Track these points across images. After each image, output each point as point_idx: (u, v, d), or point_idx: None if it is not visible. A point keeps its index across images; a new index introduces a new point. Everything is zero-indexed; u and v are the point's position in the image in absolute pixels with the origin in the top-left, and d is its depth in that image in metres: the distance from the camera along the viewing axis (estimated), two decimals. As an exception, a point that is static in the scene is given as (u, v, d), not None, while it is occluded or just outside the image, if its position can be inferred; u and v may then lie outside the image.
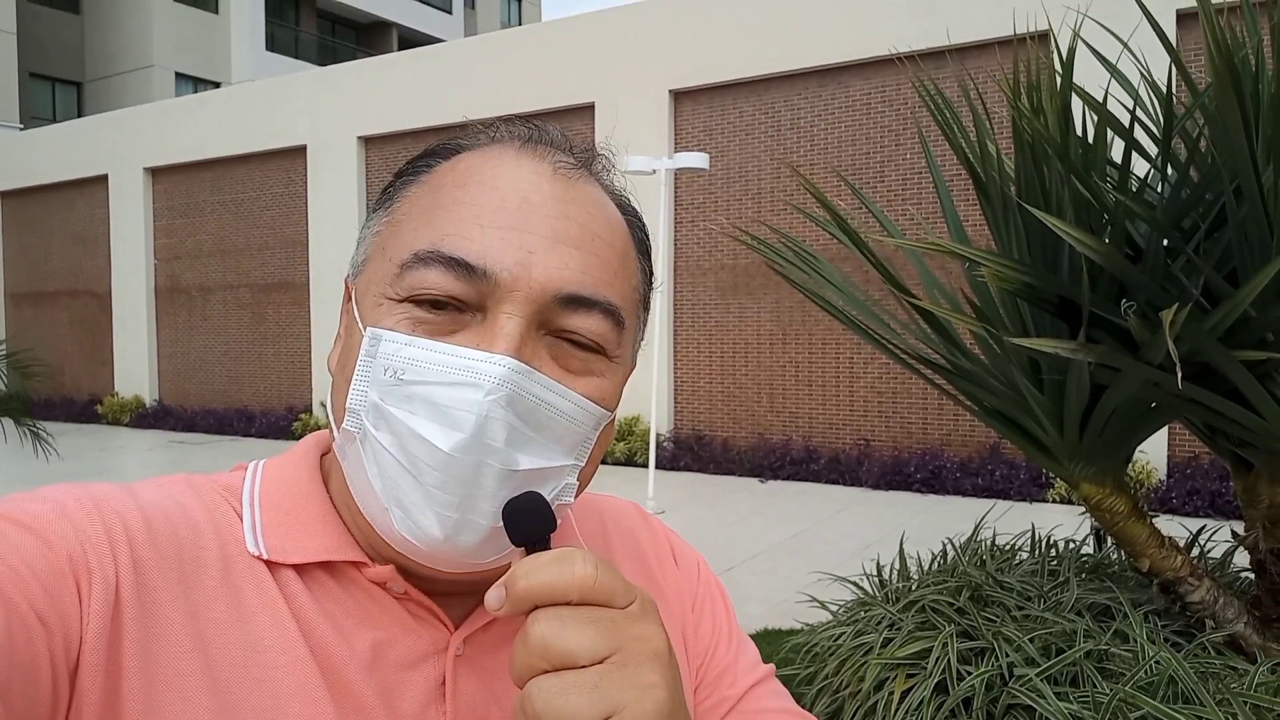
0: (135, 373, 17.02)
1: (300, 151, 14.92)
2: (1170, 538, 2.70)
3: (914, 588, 3.09)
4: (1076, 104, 2.73)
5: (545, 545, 0.51)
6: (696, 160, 8.35)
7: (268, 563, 0.59)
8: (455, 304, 0.56)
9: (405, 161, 0.65)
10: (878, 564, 3.55)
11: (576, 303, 0.58)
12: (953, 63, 6.25)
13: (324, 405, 14.45)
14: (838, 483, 9.79)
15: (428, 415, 0.54)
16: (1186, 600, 2.60)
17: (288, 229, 15.24)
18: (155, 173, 16.88)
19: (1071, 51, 2.67)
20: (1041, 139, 2.49)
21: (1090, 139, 2.65)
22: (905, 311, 2.98)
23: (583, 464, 0.60)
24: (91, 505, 0.55)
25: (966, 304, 3.02)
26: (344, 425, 0.57)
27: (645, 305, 0.67)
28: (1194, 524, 3.76)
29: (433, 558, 0.57)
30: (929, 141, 3.22)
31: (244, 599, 0.57)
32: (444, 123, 13.22)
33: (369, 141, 14.32)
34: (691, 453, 10.83)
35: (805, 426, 10.73)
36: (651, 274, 0.68)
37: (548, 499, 0.56)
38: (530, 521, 0.52)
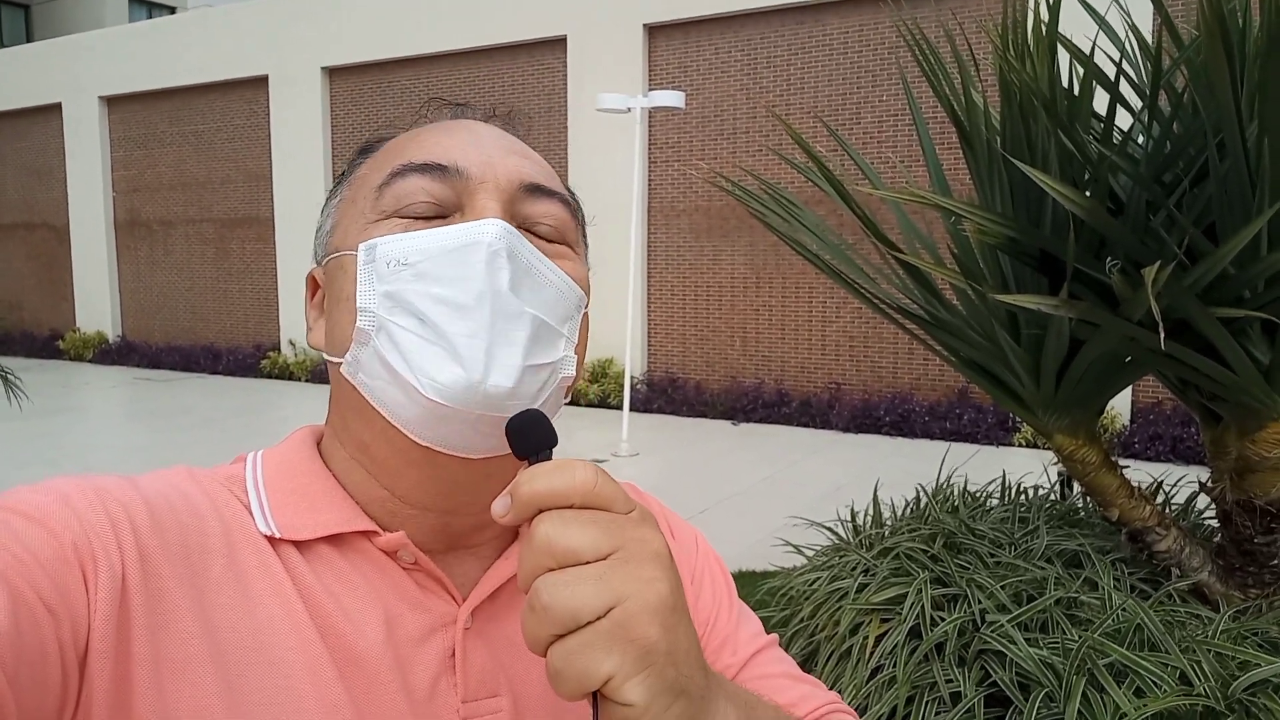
0: (97, 308, 16.69)
1: (262, 82, 14.50)
2: (1138, 487, 2.76)
3: (887, 534, 3.15)
4: (1063, 56, 2.70)
5: (548, 458, 0.53)
6: (672, 99, 8.22)
7: (274, 546, 0.60)
8: (435, 212, 0.61)
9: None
10: (851, 510, 3.60)
11: (538, 190, 0.64)
12: (936, 4, 6.17)
13: (293, 345, 14.28)
14: (809, 425, 9.91)
15: (438, 279, 0.57)
16: (1154, 549, 2.67)
17: (250, 162, 14.88)
18: (111, 101, 16.35)
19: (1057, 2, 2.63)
20: (1028, 89, 2.46)
21: (1076, 90, 2.63)
22: (881, 258, 2.98)
23: (575, 341, 0.64)
24: (94, 495, 0.55)
25: (948, 254, 3.02)
26: (357, 327, 0.59)
27: (585, 237, 0.73)
28: (1156, 469, 3.85)
29: (461, 421, 0.57)
30: (911, 86, 3.17)
31: (250, 583, 0.58)
32: (411, 53, 12.89)
33: (334, 73, 13.94)
34: (665, 395, 10.88)
35: (777, 370, 10.80)
36: (583, 215, 0.73)
37: (556, 365, 0.61)
38: (533, 434, 0.54)
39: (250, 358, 14.42)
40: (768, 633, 0.79)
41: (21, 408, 7.64)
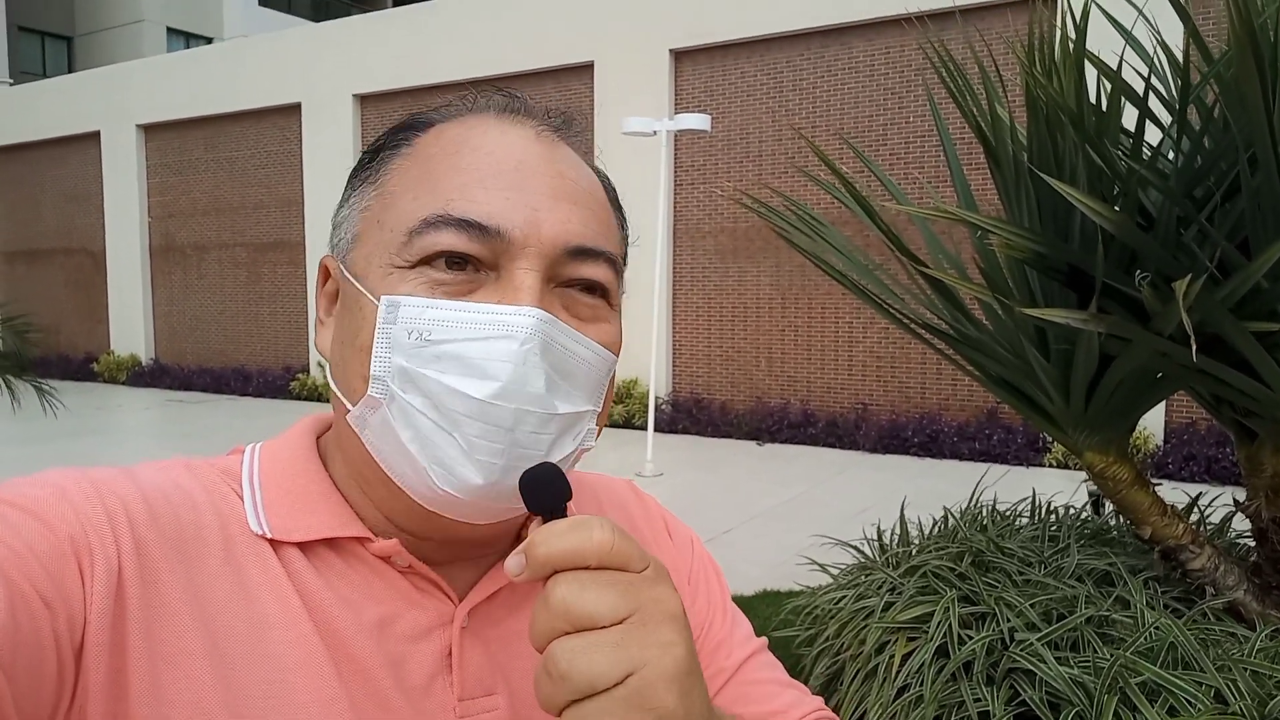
0: (131, 331, 16.96)
1: (295, 109, 14.75)
2: (1172, 505, 2.72)
3: (915, 553, 3.12)
4: (1090, 71, 2.69)
5: (562, 513, 0.52)
6: (697, 122, 8.27)
7: (270, 541, 0.59)
8: (471, 262, 0.57)
9: (383, 133, 0.66)
10: (878, 529, 3.57)
11: (583, 254, 0.60)
12: (962, 24, 6.18)
13: (321, 367, 14.45)
14: (835, 446, 9.84)
15: (461, 371, 0.55)
16: (1187, 567, 2.62)
17: (283, 188, 15.11)
18: (148, 129, 16.69)
19: (1085, 14, 2.63)
20: (1056, 105, 2.46)
21: (1103, 106, 2.62)
22: (908, 276, 2.97)
23: (599, 409, 0.63)
24: (91, 488, 0.55)
25: (975, 272, 3.01)
26: (369, 393, 0.57)
27: (625, 259, 0.70)
28: (1191, 489, 3.79)
29: (474, 507, 0.57)
30: (937, 105, 3.18)
31: (247, 577, 0.57)
32: (441, 81, 13.06)
33: (365, 100, 14.16)
34: (689, 416, 10.87)
35: (803, 390, 10.75)
36: (627, 231, 0.71)
37: (577, 449, 0.60)
38: (547, 490, 0.53)
39: (280, 380, 14.57)
40: (793, 650, 0.79)
41: (57, 414, 7.75)
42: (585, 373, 0.60)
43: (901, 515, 3.52)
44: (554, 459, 0.57)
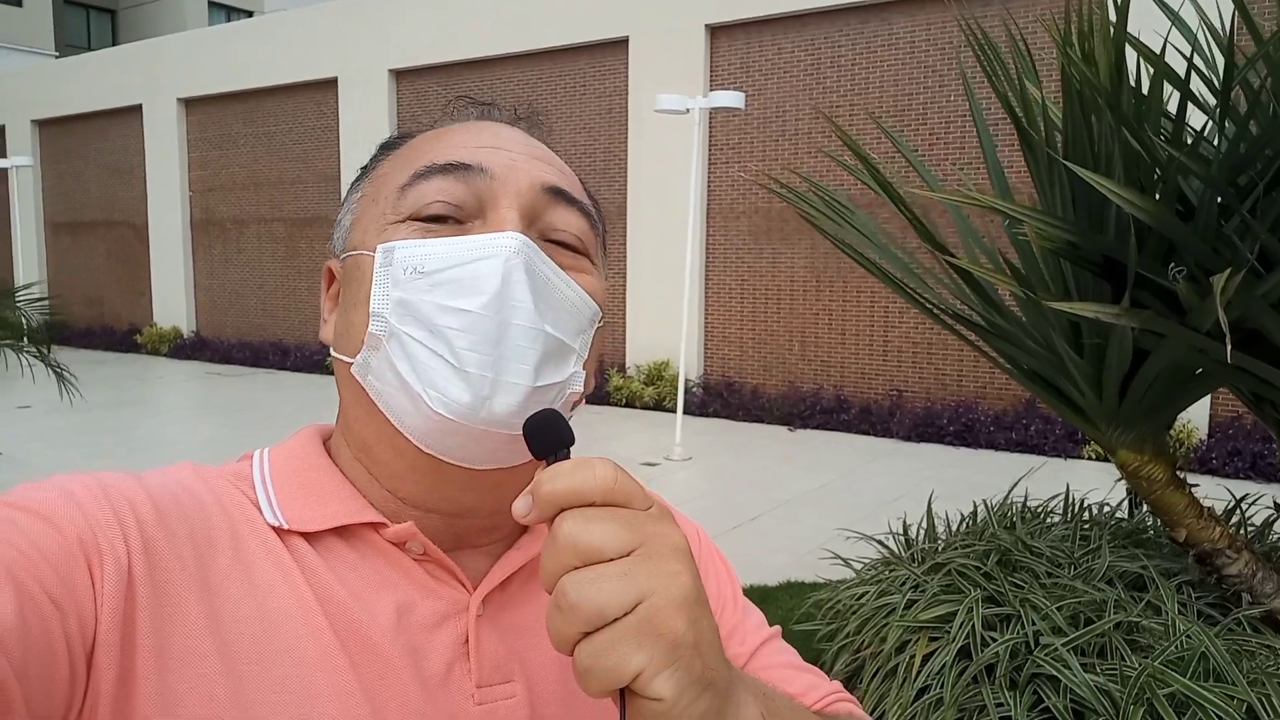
0: (173, 304, 17.22)
1: (332, 84, 14.79)
2: (1209, 508, 2.62)
3: (940, 549, 3.04)
4: (1131, 52, 2.57)
5: (566, 456, 0.53)
6: (732, 99, 8.13)
7: (282, 537, 0.60)
8: (455, 215, 0.61)
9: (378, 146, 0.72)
10: (904, 523, 3.49)
11: (561, 196, 0.64)
12: (990, 8, 5.97)
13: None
14: (868, 433, 9.71)
15: (453, 291, 0.57)
16: (1224, 573, 2.52)
17: (320, 163, 15.19)
18: (189, 103, 16.84)
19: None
20: (1091, 88, 2.35)
21: (1144, 89, 2.50)
22: (940, 264, 2.88)
23: (585, 357, 0.64)
24: (99, 490, 0.55)
25: (1006, 261, 2.91)
26: (369, 330, 0.60)
27: (604, 247, 0.73)
28: (1234, 485, 3.66)
29: (469, 437, 0.58)
30: (973, 85, 3.06)
31: (258, 574, 0.58)
32: (475, 56, 13.02)
33: (400, 75, 14.15)
34: (721, 399, 10.79)
35: (837, 375, 10.62)
36: (603, 229, 0.73)
37: (565, 383, 0.61)
38: (550, 433, 0.54)
39: (317, 355, 14.70)
40: (814, 645, 0.78)
41: (72, 403, 7.90)
42: (568, 310, 0.61)
43: (929, 509, 3.45)
44: (540, 383, 0.58)
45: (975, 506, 3.38)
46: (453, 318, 0.57)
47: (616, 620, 0.46)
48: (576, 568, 0.47)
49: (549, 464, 0.52)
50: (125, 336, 17.50)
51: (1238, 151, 2.47)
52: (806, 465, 8.04)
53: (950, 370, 9.97)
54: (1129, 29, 2.48)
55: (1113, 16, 2.45)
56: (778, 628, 0.80)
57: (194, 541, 0.57)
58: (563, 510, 0.48)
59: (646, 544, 0.48)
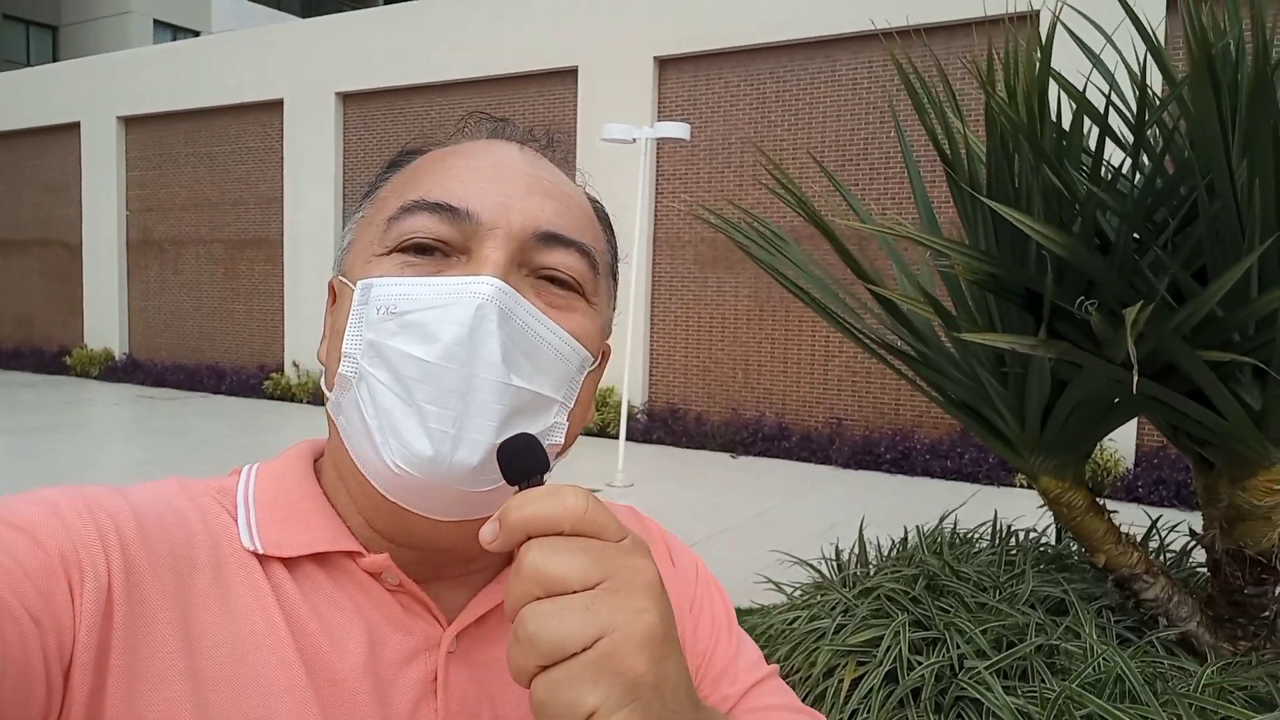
0: (105, 325, 16.77)
1: (278, 106, 14.64)
2: (1128, 534, 2.69)
3: (871, 574, 3.07)
4: (1054, 91, 2.66)
5: (539, 483, 0.52)
6: (677, 130, 8.24)
7: (260, 561, 0.59)
8: (441, 248, 0.59)
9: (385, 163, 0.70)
10: (836, 548, 3.53)
11: (554, 240, 0.61)
12: (934, 41, 6.17)
13: (318, 362, 14.31)
14: (809, 460, 9.81)
15: (419, 337, 0.55)
16: (1141, 597, 2.59)
17: (263, 185, 14.98)
18: (129, 122, 16.52)
19: (1050, 34, 2.61)
20: (1012, 123, 2.43)
21: (1067, 126, 2.59)
22: (873, 298, 2.94)
23: (571, 405, 0.61)
24: (83, 505, 0.55)
25: (940, 292, 2.97)
26: (339, 371, 0.58)
27: (614, 275, 0.70)
28: (1159, 513, 3.77)
29: (430, 491, 0.56)
30: (906, 123, 3.14)
31: (235, 598, 0.57)
32: (425, 81, 13.00)
33: (348, 98, 14.06)
34: (665, 426, 10.81)
35: (779, 403, 10.72)
36: (616, 249, 0.71)
37: (540, 436, 0.57)
38: (524, 459, 0.53)
39: (254, 378, 14.42)
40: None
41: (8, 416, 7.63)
42: (550, 357, 0.59)
43: (860, 535, 3.49)
44: (508, 438, 0.55)
45: (906, 533, 3.43)
46: (413, 366, 0.55)
47: (576, 655, 0.45)
48: (539, 598, 0.46)
49: (521, 490, 0.51)
50: (54, 358, 16.98)
51: (1153, 188, 2.57)
52: (747, 492, 8.08)
53: (888, 399, 10.13)
54: (1055, 67, 2.58)
55: (1037, 54, 2.54)
56: (774, 667, 0.77)
57: (175, 561, 0.56)
58: (530, 538, 0.47)
59: (614, 577, 0.47)
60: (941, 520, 3.53)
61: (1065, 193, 2.46)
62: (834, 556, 3.46)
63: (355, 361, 0.58)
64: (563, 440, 0.61)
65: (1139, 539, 2.76)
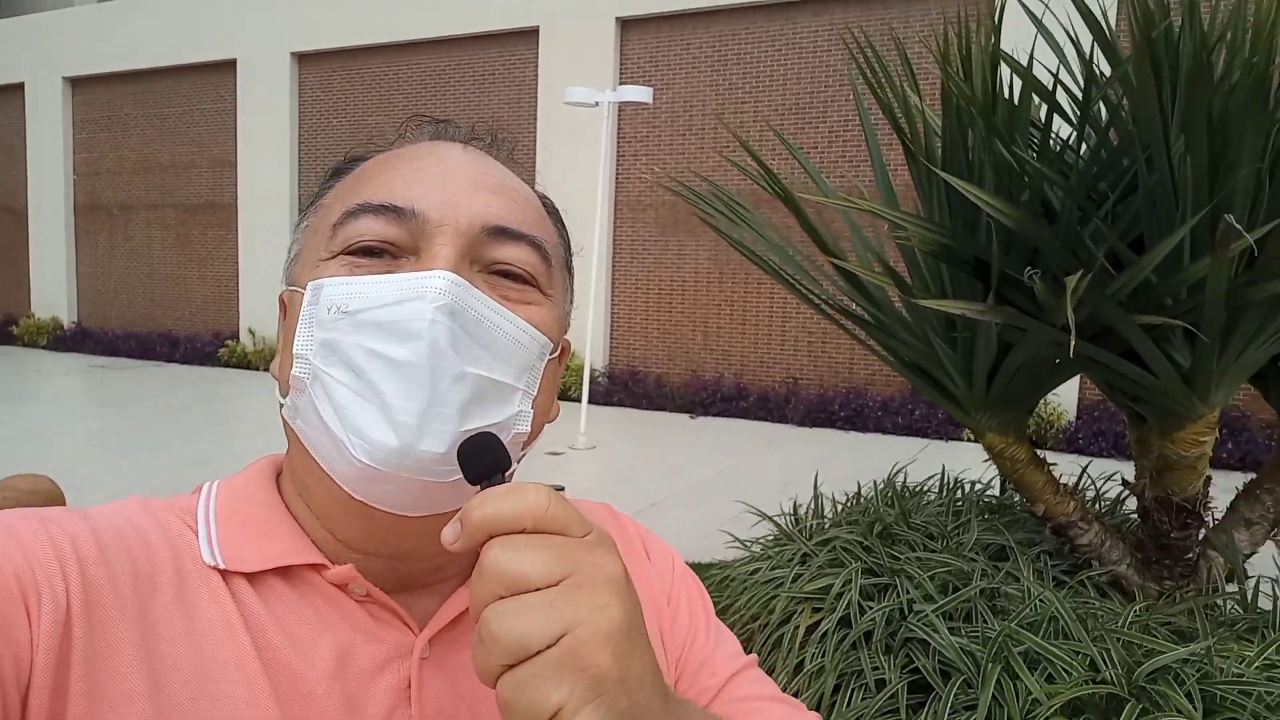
0: (53, 293, 16.42)
1: (230, 66, 14.34)
2: (1065, 485, 2.88)
3: (827, 526, 3.24)
4: (1005, 68, 2.79)
5: (500, 481, 0.52)
6: (640, 94, 8.27)
7: (223, 576, 0.59)
8: (389, 250, 0.59)
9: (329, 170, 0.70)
10: (795, 503, 3.70)
11: (504, 234, 0.61)
12: (891, 13, 6.28)
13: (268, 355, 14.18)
14: (766, 419, 10.04)
15: (376, 334, 0.55)
16: (1076, 543, 2.79)
17: (215, 148, 14.71)
18: (75, 83, 16.07)
19: (1001, 10, 2.73)
20: (967, 101, 2.56)
21: (1016, 101, 2.72)
22: (829, 262, 3.07)
23: (534, 394, 0.61)
24: (39, 525, 0.55)
25: (892, 256, 3.12)
26: (292, 374, 0.58)
27: (569, 269, 0.71)
28: (1099, 464, 3.99)
29: (396, 485, 0.56)
30: (864, 94, 3.25)
31: (198, 615, 0.57)
32: (382, 41, 12.82)
33: (303, 59, 13.82)
34: (625, 388, 10.96)
35: (737, 364, 10.91)
36: (569, 243, 0.71)
37: (504, 424, 0.58)
38: (484, 457, 0.53)
39: (209, 346, 14.28)
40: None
41: None
42: (508, 346, 0.59)
43: (816, 489, 3.66)
44: (469, 427, 0.55)
45: (859, 487, 3.61)
46: (374, 362, 0.55)
47: (539, 653, 0.45)
48: (503, 597, 0.46)
49: (482, 489, 0.51)
50: (0, 328, 16.61)
51: (1097, 161, 2.73)
52: (707, 451, 8.27)
53: (842, 359, 10.37)
54: (1003, 46, 2.71)
55: (987, 31, 2.67)
56: (753, 657, 0.76)
57: (136, 580, 0.55)
58: (492, 537, 0.47)
59: (577, 573, 0.46)
60: (892, 474, 3.71)
61: (1015, 166, 2.60)
62: (791, 511, 3.62)
63: (308, 362, 0.57)
64: (528, 429, 0.61)
65: (1076, 488, 2.96)
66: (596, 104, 8.40)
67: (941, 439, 9.07)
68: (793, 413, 9.89)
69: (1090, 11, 2.66)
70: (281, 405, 0.61)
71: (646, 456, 8.08)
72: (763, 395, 10.28)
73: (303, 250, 0.65)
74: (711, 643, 0.74)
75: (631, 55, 11.40)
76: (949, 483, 3.56)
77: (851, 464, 7.49)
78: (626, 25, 11.39)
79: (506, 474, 0.53)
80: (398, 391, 0.54)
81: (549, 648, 0.45)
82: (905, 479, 3.65)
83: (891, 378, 10.00)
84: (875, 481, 3.65)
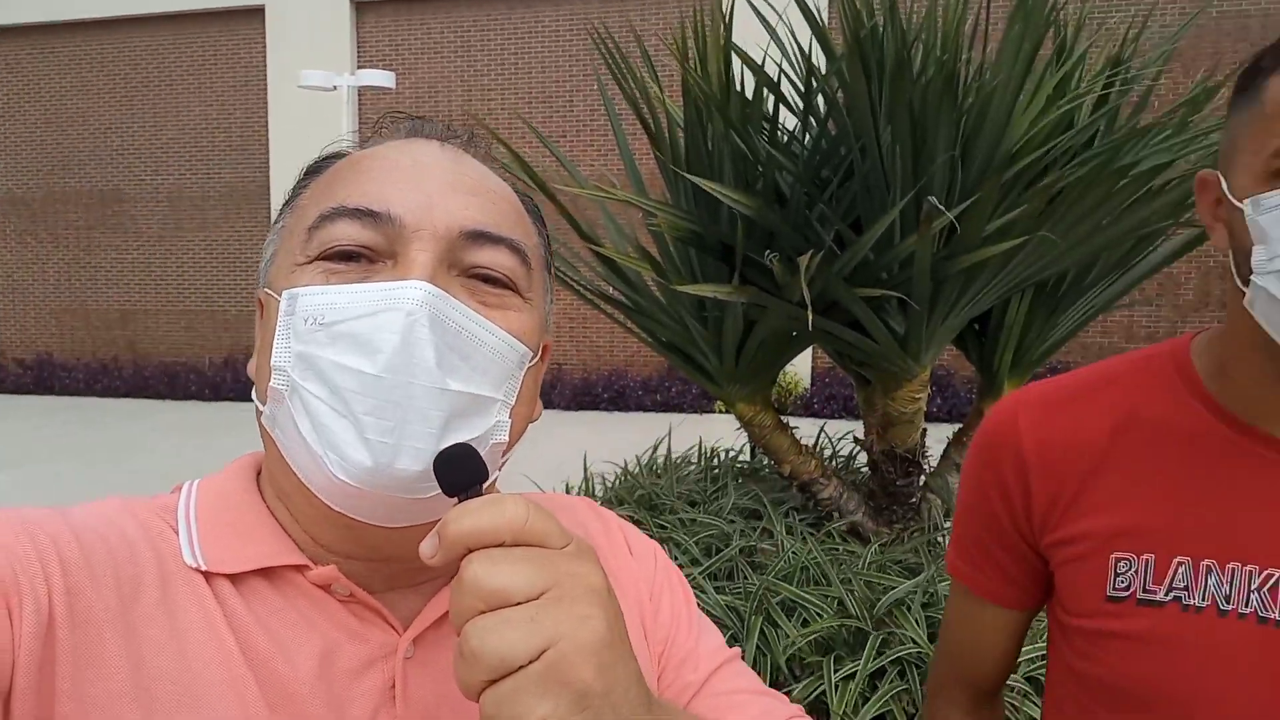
0: None
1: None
2: (806, 446, 3.17)
3: (599, 503, 3.37)
4: (738, 62, 3.00)
5: (478, 493, 0.52)
6: (381, 79, 8.04)
7: (206, 577, 0.58)
8: (365, 254, 0.58)
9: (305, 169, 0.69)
10: (566, 485, 3.80)
11: (482, 238, 0.60)
12: (630, 7, 6.53)
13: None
14: (531, 405, 10.14)
15: (352, 348, 0.54)
16: (819, 497, 3.08)
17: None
18: None
19: (731, 8, 2.93)
20: (705, 95, 2.74)
21: (750, 95, 2.94)
22: (587, 249, 3.18)
23: (513, 402, 0.61)
24: (20, 527, 0.54)
25: (645, 241, 3.27)
26: (270, 384, 0.57)
27: (549, 268, 0.70)
28: (834, 424, 4.39)
29: (375, 500, 0.55)
30: (609, 86, 3.38)
31: (181, 616, 0.56)
32: (86, 16, 11.54)
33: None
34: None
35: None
36: (549, 241, 0.71)
37: (482, 438, 0.57)
38: (461, 470, 0.52)
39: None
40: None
41: None
42: (487, 357, 0.58)
43: (585, 469, 3.78)
44: (451, 442, 0.54)
45: (625, 462, 3.77)
46: (349, 378, 0.53)
47: (522, 668, 0.44)
48: (483, 612, 0.45)
49: (460, 501, 0.50)
50: None
51: (819, 149, 3.00)
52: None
53: (603, 342, 10.66)
54: (737, 42, 2.91)
55: (721, 27, 2.86)
56: (737, 650, 0.77)
57: (118, 581, 0.55)
58: (471, 551, 0.47)
59: (558, 585, 0.46)
60: (655, 448, 3.90)
61: (750, 155, 2.82)
62: (565, 492, 3.72)
63: (286, 374, 0.56)
64: (507, 438, 0.60)
65: (816, 449, 3.27)
66: (335, 88, 8.06)
67: (697, 413, 9.59)
68: (559, 397, 10.06)
69: (810, 10, 2.92)
70: (259, 412, 0.60)
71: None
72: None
73: (278, 252, 0.63)
74: (694, 637, 0.74)
75: (369, 39, 11.01)
76: (706, 452, 3.79)
77: (617, 442, 7.75)
78: (362, 8, 10.98)
79: (484, 486, 0.52)
80: (372, 409, 0.53)
81: (531, 663, 0.44)
82: (669, 452, 3.85)
83: (650, 358, 10.40)
84: (638, 457, 3.82)
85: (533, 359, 0.63)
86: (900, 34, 2.72)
